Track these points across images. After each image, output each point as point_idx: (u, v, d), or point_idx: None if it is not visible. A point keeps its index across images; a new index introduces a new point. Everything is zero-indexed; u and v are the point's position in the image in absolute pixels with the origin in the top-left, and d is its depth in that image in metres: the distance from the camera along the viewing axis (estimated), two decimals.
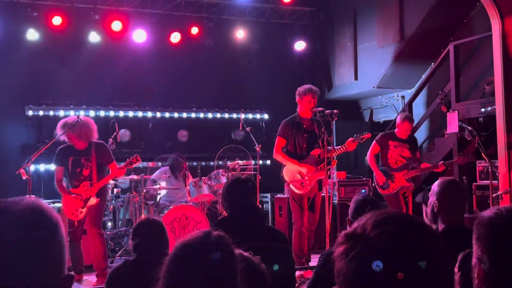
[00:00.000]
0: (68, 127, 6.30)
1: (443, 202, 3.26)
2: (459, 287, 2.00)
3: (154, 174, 8.65)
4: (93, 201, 6.41)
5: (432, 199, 3.30)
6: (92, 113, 9.72)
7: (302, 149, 6.74)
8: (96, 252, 6.46)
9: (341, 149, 6.64)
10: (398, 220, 1.31)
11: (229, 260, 1.74)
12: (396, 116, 7.87)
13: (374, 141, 7.54)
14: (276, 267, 2.78)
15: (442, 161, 7.26)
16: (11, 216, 1.33)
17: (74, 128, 6.31)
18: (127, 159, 6.65)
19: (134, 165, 6.67)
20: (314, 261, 6.47)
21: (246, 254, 2.21)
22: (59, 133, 6.40)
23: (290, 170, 6.72)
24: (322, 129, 6.47)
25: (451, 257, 1.32)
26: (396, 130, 7.48)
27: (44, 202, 1.44)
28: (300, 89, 6.81)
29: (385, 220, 1.30)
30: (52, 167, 9.38)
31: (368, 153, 7.52)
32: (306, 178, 6.60)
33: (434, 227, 3.20)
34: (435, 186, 3.34)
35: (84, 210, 6.39)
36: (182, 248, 1.72)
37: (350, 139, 6.67)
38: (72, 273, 6.43)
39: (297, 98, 6.82)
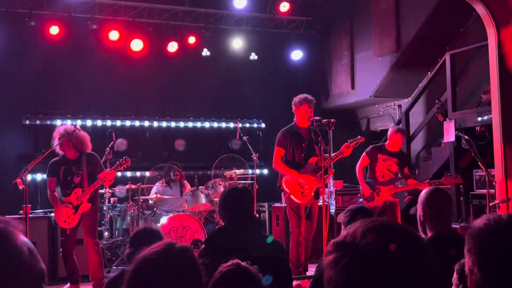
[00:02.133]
0: (66, 135, 6.41)
1: (429, 211, 3.29)
2: None
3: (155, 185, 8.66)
4: (85, 207, 6.45)
5: (419, 209, 3.34)
6: (89, 122, 9.70)
7: (301, 158, 6.74)
8: (91, 262, 6.46)
9: (337, 156, 6.66)
10: (388, 228, 1.31)
11: (193, 272, 1.70)
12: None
13: (364, 153, 7.54)
14: (272, 277, 2.77)
15: (428, 180, 7.26)
16: None
17: (70, 136, 6.43)
18: (117, 162, 6.64)
19: (124, 167, 6.64)
20: (311, 270, 6.46)
21: (243, 263, 2.21)
22: (56, 141, 6.46)
23: (291, 180, 6.71)
24: (319, 138, 6.47)
25: (440, 265, 1.32)
26: (386, 143, 7.48)
27: (18, 228, 1.45)
28: (296, 98, 6.82)
29: (374, 229, 1.30)
30: None
31: (357, 164, 7.53)
32: (306, 187, 6.61)
33: (423, 236, 3.22)
34: (421, 195, 3.39)
35: (75, 216, 6.43)
36: (143, 262, 1.68)
37: (345, 144, 6.71)
38: None
39: (293, 107, 6.83)
